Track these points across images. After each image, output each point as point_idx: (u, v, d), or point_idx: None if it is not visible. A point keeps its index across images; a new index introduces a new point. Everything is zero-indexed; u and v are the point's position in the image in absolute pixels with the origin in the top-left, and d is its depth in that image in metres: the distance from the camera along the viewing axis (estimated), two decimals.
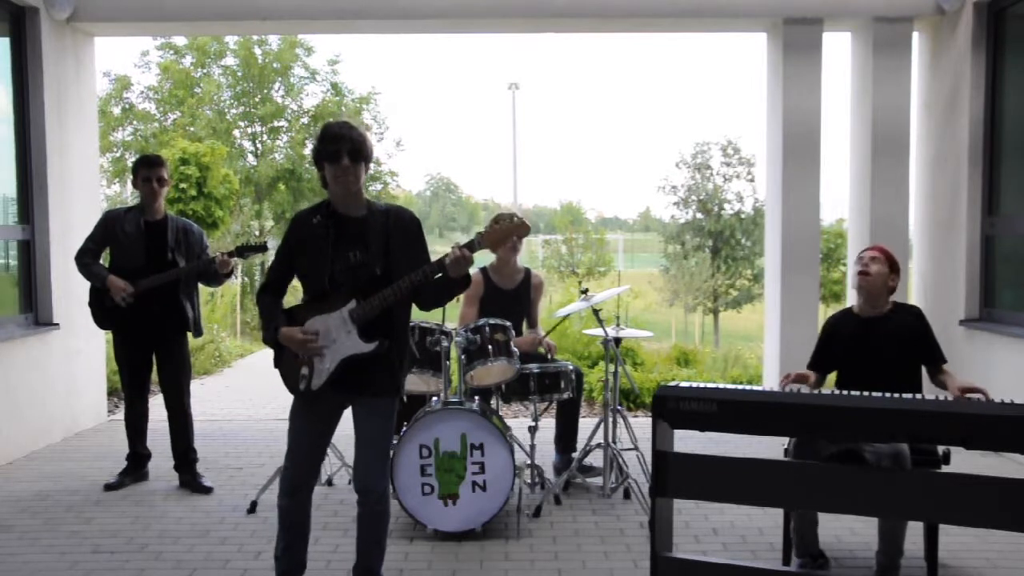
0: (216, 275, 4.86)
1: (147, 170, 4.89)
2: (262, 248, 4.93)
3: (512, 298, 5.10)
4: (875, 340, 3.76)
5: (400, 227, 3.25)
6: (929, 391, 3.49)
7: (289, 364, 3.28)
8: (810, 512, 3.64)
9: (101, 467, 5.42)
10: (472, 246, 3.14)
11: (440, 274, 3.15)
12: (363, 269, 3.17)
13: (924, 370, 3.85)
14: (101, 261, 5.01)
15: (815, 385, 3.82)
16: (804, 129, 6.45)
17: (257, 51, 24.14)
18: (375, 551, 3.37)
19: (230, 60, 24.47)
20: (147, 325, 4.85)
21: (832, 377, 3.96)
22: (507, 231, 3.16)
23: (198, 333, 5.02)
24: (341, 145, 3.10)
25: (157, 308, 4.82)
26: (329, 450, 4.98)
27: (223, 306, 14.13)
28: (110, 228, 4.91)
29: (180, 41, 23.79)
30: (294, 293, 3.49)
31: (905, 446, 3.55)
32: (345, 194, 3.17)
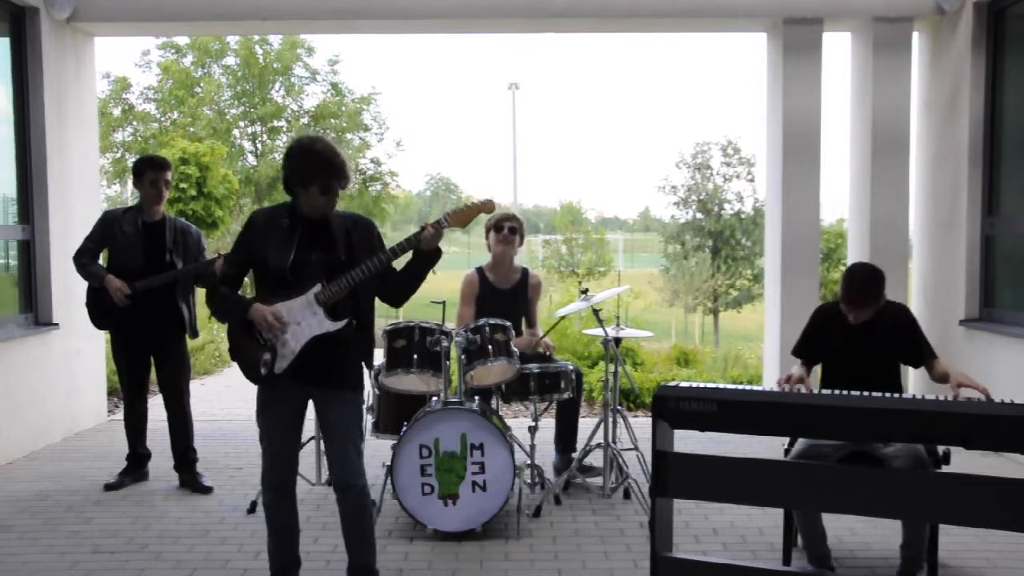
0: (214, 277, 4.84)
1: (154, 172, 4.88)
2: None
3: (510, 298, 5.09)
4: (864, 344, 3.70)
5: (360, 228, 3.31)
6: (928, 391, 3.49)
7: (248, 351, 3.26)
8: (817, 527, 3.63)
9: (101, 467, 5.42)
10: (439, 225, 3.24)
11: (409, 252, 3.24)
12: (325, 259, 3.21)
13: (922, 369, 3.83)
14: (100, 262, 5.01)
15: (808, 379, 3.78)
16: (804, 129, 6.44)
17: (258, 51, 24.15)
18: (365, 547, 3.37)
19: (231, 60, 24.48)
20: (145, 326, 4.85)
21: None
22: (473, 210, 3.30)
23: (194, 335, 5.01)
24: (334, 179, 3.17)
25: (155, 309, 4.82)
26: None
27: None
28: (109, 228, 4.90)
29: (182, 40, 23.79)
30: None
31: (925, 455, 3.54)
32: (320, 212, 3.23)
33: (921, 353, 3.77)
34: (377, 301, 3.40)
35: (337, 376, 3.25)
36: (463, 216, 3.29)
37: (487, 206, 3.36)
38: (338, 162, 3.18)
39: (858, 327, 3.72)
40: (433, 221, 3.25)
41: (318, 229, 3.25)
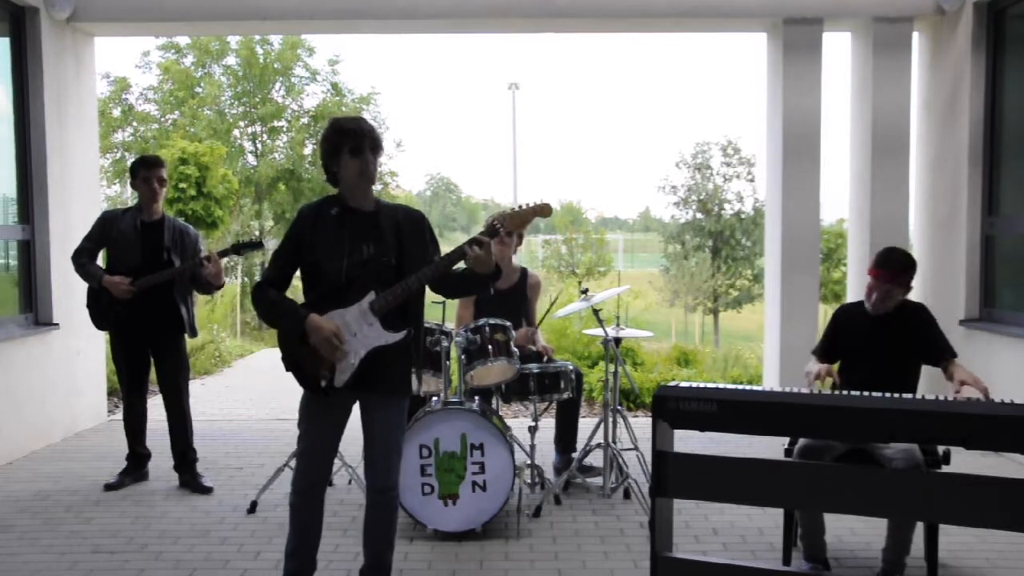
0: (205, 282, 4.82)
1: (147, 171, 4.89)
2: (258, 245, 4.90)
3: (509, 298, 5.08)
4: (882, 338, 3.75)
5: (411, 222, 3.27)
6: (929, 391, 3.49)
7: (305, 362, 3.19)
8: (817, 519, 3.64)
9: (101, 467, 5.42)
10: (493, 231, 3.18)
11: (461, 262, 3.18)
12: (377, 262, 3.16)
13: (937, 368, 3.82)
14: (99, 262, 5.01)
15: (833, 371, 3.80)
16: (804, 129, 6.45)
17: (259, 51, 24.16)
18: (387, 546, 3.37)
19: (231, 60, 24.49)
20: (144, 325, 4.85)
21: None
22: (529, 212, 3.23)
23: (192, 334, 5.01)
24: (364, 139, 3.14)
25: (154, 309, 4.82)
26: None
27: (223, 306, 14.12)
28: (107, 228, 4.91)
29: (183, 40, 23.80)
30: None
31: (920, 458, 3.55)
32: (367, 187, 3.20)
33: (939, 351, 3.78)
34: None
35: (391, 382, 3.22)
36: (519, 220, 3.21)
37: (544, 209, 3.25)
38: (359, 125, 3.17)
39: (878, 324, 3.75)
40: (486, 228, 3.19)
41: (367, 223, 3.19)
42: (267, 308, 3.23)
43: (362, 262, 3.16)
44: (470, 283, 3.31)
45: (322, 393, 3.21)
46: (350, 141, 3.13)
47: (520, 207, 3.25)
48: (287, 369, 3.28)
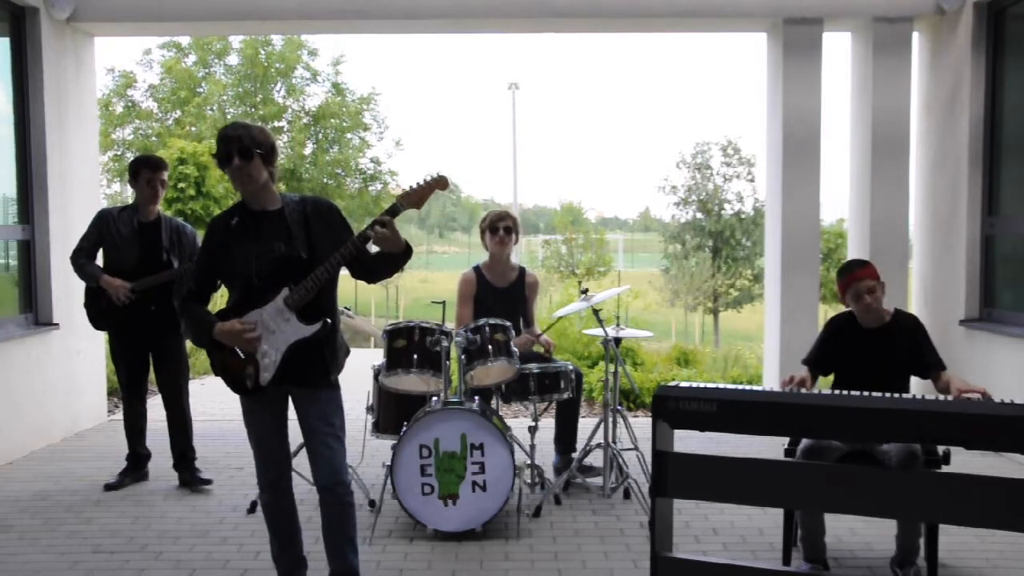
0: None
1: (151, 172, 4.88)
2: None
3: (507, 296, 5.10)
4: (875, 351, 3.72)
5: (319, 213, 3.22)
6: (929, 392, 3.49)
7: (232, 365, 3.23)
8: (818, 520, 3.64)
9: (101, 467, 5.42)
10: (394, 211, 3.12)
11: (369, 244, 3.13)
12: (288, 258, 3.14)
13: (926, 380, 3.81)
14: (98, 261, 5.01)
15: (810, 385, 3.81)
16: (804, 129, 6.45)
17: (261, 52, 24.15)
18: (350, 547, 3.33)
19: (233, 59, 24.48)
20: (143, 325, 4.85)
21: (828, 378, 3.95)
22: (427, 188, 3.16)
23: None
24: (230, 146, 3.08)
25: (153, 309, 4.82)
26: None
27: (222, 305, 14.12)
28: (104, 227, 4.91)
29: (185, 39, 23.80)
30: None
31: (918, 448, 3.55)
32: (248, 192, 3.16)
33: (927, 362, 3.75)
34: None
35: (312, 375, 3.21)
36: (417, 196, 3.15)
37: (441, 183, 3.19)
38: (224, 132, 3.11)
39: (871, 337, 3.73)
40: (386, 210, 3.13)
41: (273, 222, 3.17)
42: (184, 321, 3.29)
43: (274, 260, 3.14)
44: (384, 263, 3.20)
45: (250, 393, 3.23)
46: (219, 151, 3.10)
47: (417, 184, 3.18)
48: (216, 374, 3.33)
